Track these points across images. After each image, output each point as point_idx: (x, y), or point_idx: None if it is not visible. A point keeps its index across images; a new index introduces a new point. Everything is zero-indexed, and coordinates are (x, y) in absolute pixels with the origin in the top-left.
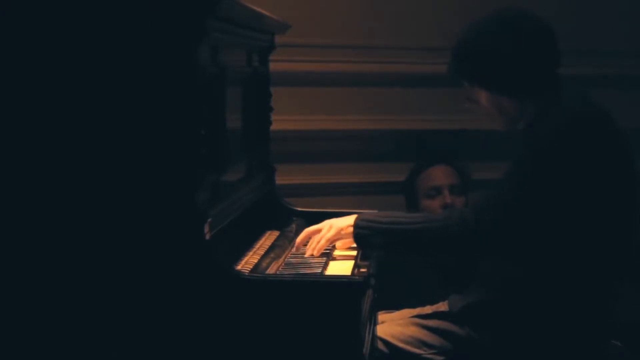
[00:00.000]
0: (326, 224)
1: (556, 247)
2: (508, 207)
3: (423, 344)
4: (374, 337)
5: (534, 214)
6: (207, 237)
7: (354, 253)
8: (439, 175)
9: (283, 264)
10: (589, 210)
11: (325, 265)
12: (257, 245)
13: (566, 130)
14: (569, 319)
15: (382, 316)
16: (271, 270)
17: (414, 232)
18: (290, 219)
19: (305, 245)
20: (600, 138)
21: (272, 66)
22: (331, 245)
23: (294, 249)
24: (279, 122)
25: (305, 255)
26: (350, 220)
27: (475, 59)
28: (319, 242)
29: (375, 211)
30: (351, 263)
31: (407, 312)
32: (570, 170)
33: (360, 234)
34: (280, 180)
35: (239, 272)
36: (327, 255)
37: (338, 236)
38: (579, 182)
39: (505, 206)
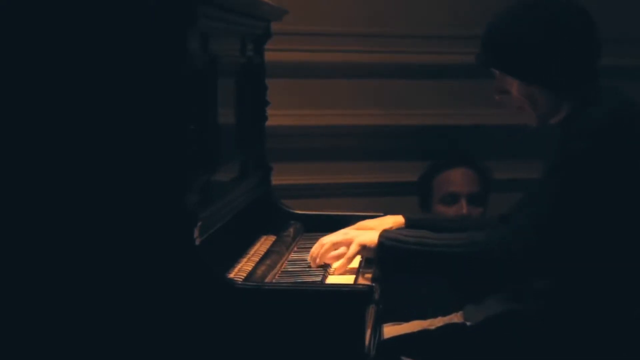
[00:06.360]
0: (345, 235)
1: (591, 255)
2: (552, 225)
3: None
4: (379, 351)
5: (579, 227)
6: (197, 242)
7: (357, 257)
8: (459, 180)
9: (280, 272)
10: (625, 217)
11: (326, 273)
12: (252, 251)
13: (608, 132)
14: (599, 330)
15: (388, 328)
16: (267, 278)
17: (448, 257)
18: (287, 223)
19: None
20: None
21: (268, 56)
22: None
23: (313, 265)
24: (276, 117)
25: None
26: (373, 235)
27: (509, 45)
28: (341, 261)
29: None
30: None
31: (416, 324)
32: (610, 175)
33: (385, 255)
34: (276, 180)
35: (232, 280)
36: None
37: (361, 253)
38: (618, 188)
39: (549, 224)
